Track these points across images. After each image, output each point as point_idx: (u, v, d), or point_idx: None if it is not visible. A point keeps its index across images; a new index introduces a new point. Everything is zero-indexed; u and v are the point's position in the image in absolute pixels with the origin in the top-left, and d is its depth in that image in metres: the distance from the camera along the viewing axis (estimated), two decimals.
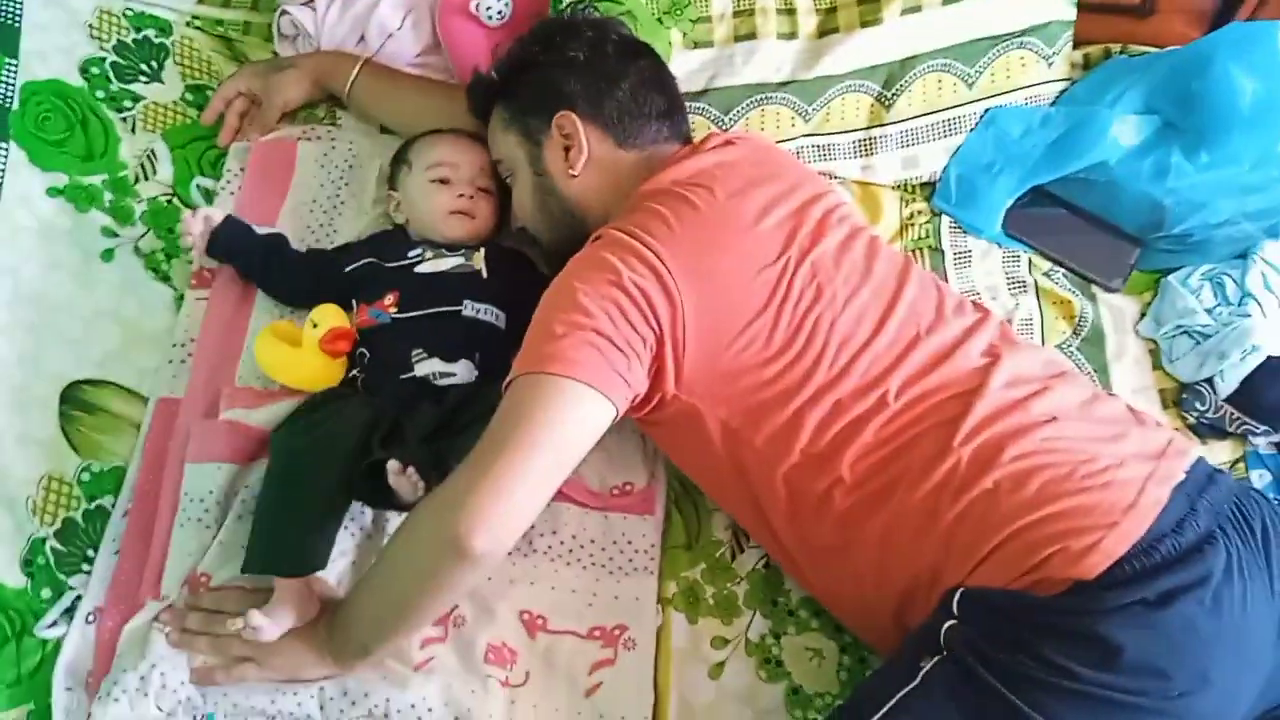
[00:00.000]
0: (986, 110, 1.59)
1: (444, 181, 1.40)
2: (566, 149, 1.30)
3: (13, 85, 1.48)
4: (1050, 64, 1.61)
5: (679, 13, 1.53)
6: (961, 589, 1.05)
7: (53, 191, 1.44)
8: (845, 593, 1.18)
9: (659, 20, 1.52)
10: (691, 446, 1.22)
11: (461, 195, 1.39)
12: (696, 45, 1.55)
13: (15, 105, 1.47)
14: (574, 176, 1.30)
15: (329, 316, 1.33)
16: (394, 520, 1.29)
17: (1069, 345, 1.51)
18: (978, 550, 1.06)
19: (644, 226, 1.17)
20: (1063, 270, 1.58)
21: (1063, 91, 1.64)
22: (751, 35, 1.55)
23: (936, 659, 1.02)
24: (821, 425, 1.14)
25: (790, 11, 1.57)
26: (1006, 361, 1.18)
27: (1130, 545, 1.01)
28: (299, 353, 1.33)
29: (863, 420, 1.14)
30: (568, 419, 1.09)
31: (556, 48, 1.33)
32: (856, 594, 1.17)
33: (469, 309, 1.35)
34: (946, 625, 1.03)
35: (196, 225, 1.40)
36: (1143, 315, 1.55)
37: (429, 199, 1.40)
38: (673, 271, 1.13)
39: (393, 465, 1.16)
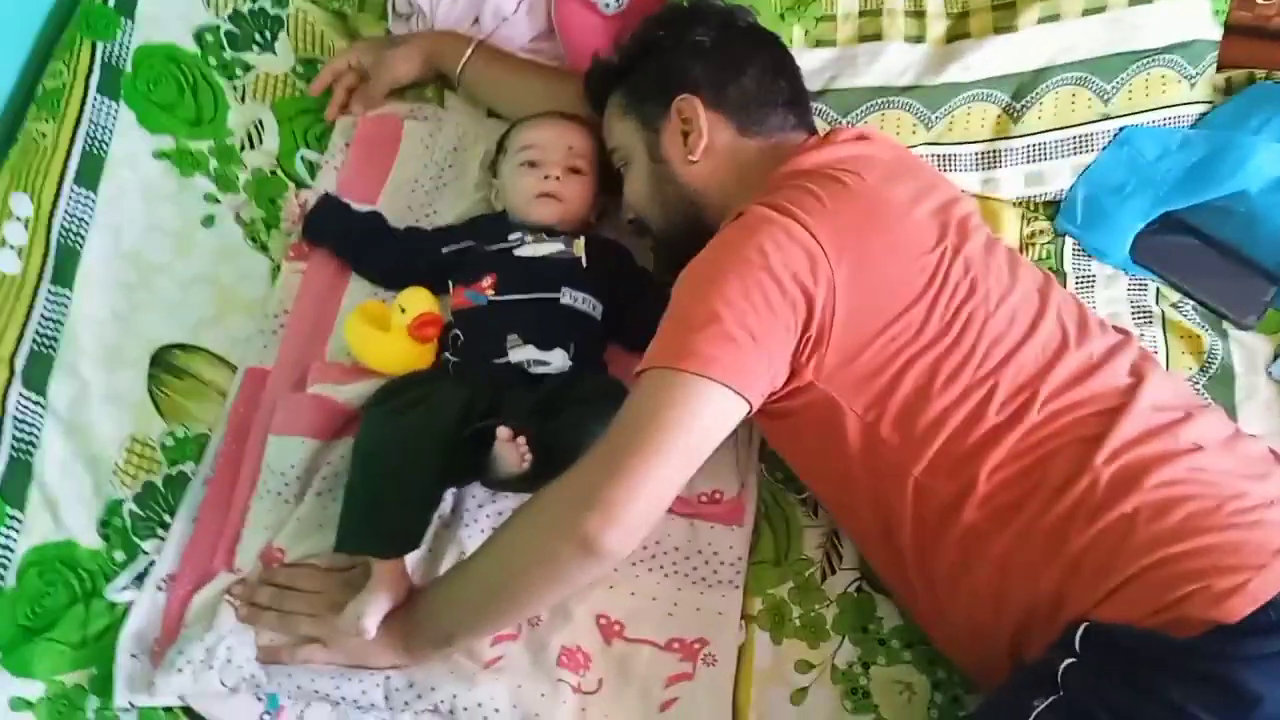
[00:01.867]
0: (1121, 129, 1.51)
1: (533, 164, 1.37)
2: (685, 135, 1.25)
3: (127, 48, 1.48)
4: (1193, 85, 1.52)
5: (802, 9, 1.47)
6: (1086, 624, 0.97)
7: (159, 154, 1.44)
8: (957, 616, 1.11)
9: (781, 16, 1.46)
10: (819, 442, 1.15)
11: (548, 177, 1.35)
12: (818, 44, 1.49)
13: (128, 67, 1.47)
14: (693, 163, 1.25)
15: (418, 301, 1.30)
16: (472, 510, 1.25)
17: (1195, 383, 1.42)
18: (1109, 579, 0.98)
19: (793, 200, 1.11)
20: (1192, 303, 1.48)
21: (1203, 115, 1.54)
22: (877, 36, 1.49)
23: (1051, 699, 0.95)
24: (963, 429, 1.08)
25: (919, 14, 1.50)
26: (1152, 383, 1.11)
27: (1278, 590, 0.93)
28: (387, 336, 1.29)
29: (1005, 428, 1.07)
30: (702, 420, 1.04)
31: (681, 32, 1.29)
32: (969, 618, 1.09)
33: (567, 297, 1.30)
34: (1065, 664, 0.95)
35: (295, 210, 1.39)
36: (1276, 356, 1.44)
37: (517, 182, 1.37)
38: (827, 250, 1.07)
39: (503, 431, 1.12)
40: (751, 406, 1.06)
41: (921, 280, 1.10)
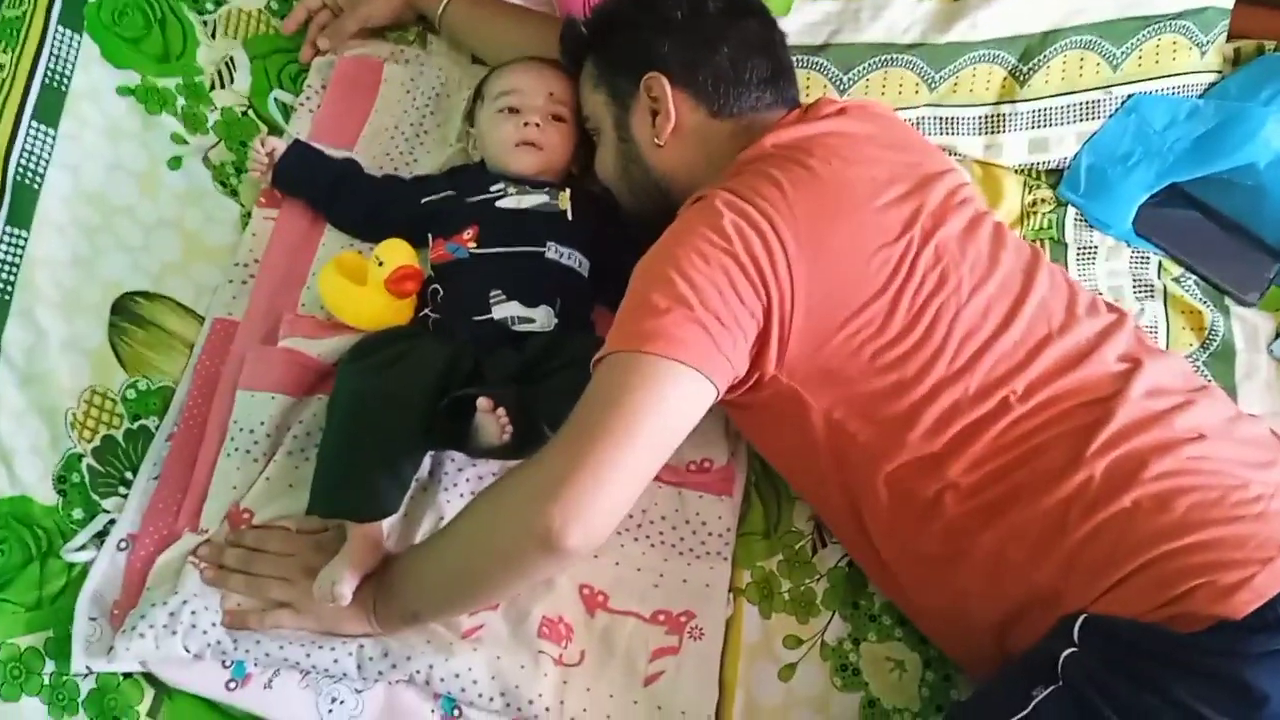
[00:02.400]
0: (1129, 96, 1.46)
1: (512, 111, 1.30)
2: (654, 114, 1.19)
3: None
4: (1203, 53, 1.48)
5: None
6: (1084, 615, 0.93)
7: (123, 90, 1.36)
8: (941, 606, 1.07)
9: None
10: (785, 435, 1.11)
11: (528, 124, 1.28)
12: None
13: None
14: (659, 146, 1.19)
15: (396, 254, 1.24)
16: (450, 474, 1.20)
17: (1195, 359, 1.39)
18: (1108, 575, 0.95)
19: (753, 188, 1.06)
20: (1194, 278, 1.45)
21: (1212, 84, 1.50)
22: None
23: (1051, 689, 0.91)
24: (937, 425, 1.03)
25: None
26: (1147, 368, 1.06)
27: None
28: (364, 291, 1.23)
29: (984, 423, 1.02)
30: (670, 405, 0.98)
31: (652, 4, 1.21)
32: (955, 608, 1.05)
33: (552, 251, 1.25)
34: (1066, 653, 0.92)
35: (263, 157, 1.32)
36: (1278, 334, 1.42)
37: (495, 129, 1.30)
38: (784, 240, 1.02)
39: (484, 402, 1.06)
40: (718, 391, 1.01)
41: (884, 273, 1.05)
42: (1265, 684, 0.85)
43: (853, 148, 1.13)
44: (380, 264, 1.22)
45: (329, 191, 1.33)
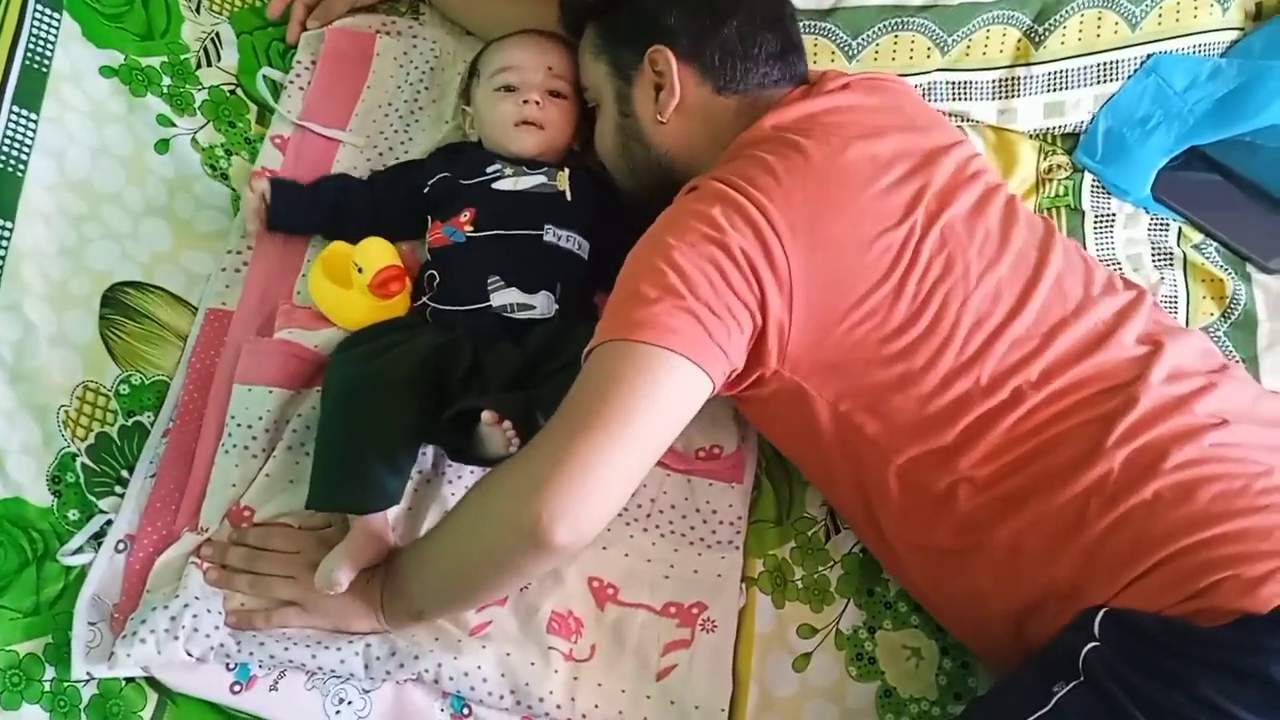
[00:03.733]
0: (1149, 56, 1.41)
1: (510, 89, 1.25)
2: (658, 89, 1.14)
3: None
4: (1225, 9, 1.43)
5: None
6: (1105, 609, 0.91)
7: (106, 71, 1.31)
8: (957, 599, 1.05)
9: None
10: (794, 429, 1.08)
11: (527, 101, 1.24)
12: None
13: None
14: (662, 123, 1.15)
15: (374, 257, 1.18)
16: (454, 466, 1.17)
17: (1216, 329, 1.35)
18: (1130, 569, 0.92)
19: (747, 177, 1.02)
20: (1215, 245, 1.41)
21: (1234, 42, 1.45)
22: None
23: (1073, 684, 0.89)
24: (948, 416, 1.00)
25: None
26: (1167, 350, 1.03)
27: None
28: (350, 294, 1.19)
29: (997, 414, 0.99)
30: (662, 395, 0.94)
31: None
32: (971, 602, 1.03)
33: (550, 234, 1.20)
34: (1087, 648, 0.89)
35: (254, 200, 1.24)
36: None
37: (493, 109, 1.26)
38: (779, 232, 0.98)
39: (489, 416, 1.03)
40: (714, 385, 0.98)
41: (886, 259, 1.01)
42: None
43: (855, 124, 1.09)
44: (360, 270, 1.18)
45: (333, 220, 1.26)
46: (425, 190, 1.25)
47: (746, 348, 1.00)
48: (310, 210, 1.26)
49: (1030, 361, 1.01)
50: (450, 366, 1.10)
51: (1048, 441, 0.98)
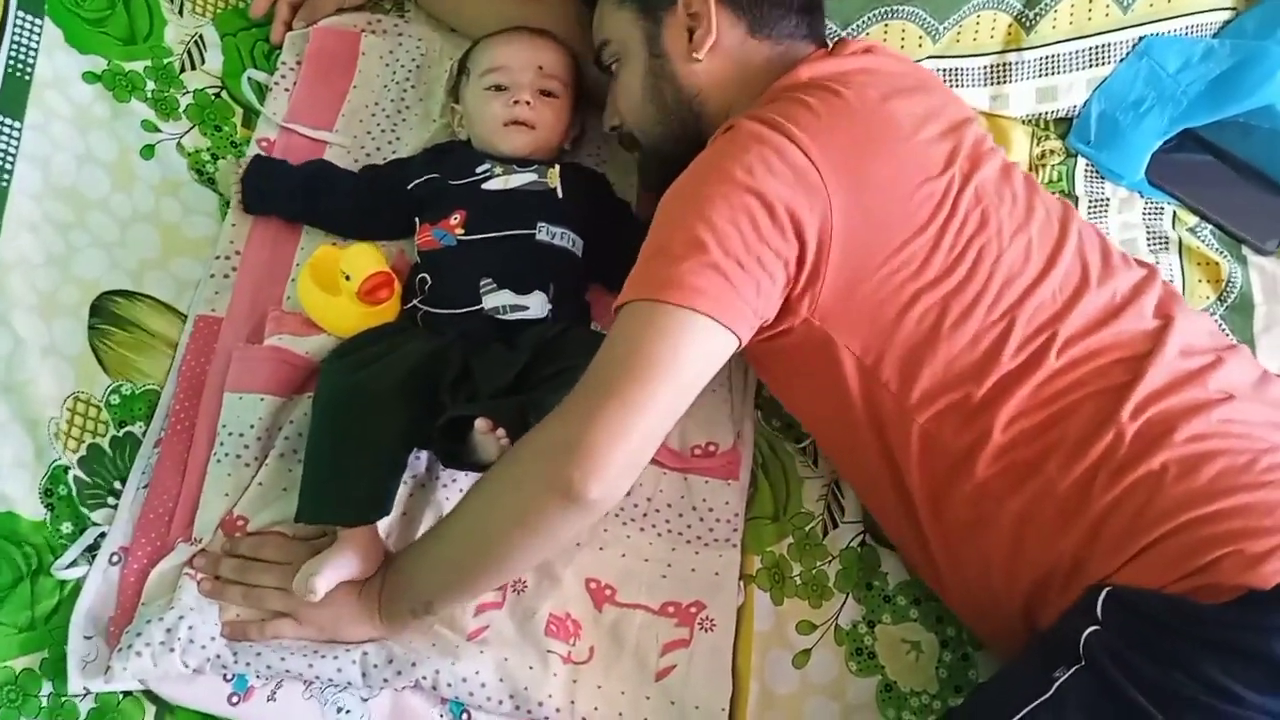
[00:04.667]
0: (1141, 39, 1.40)
1: (500, 88, 1.24)
2: (690, 31, 1.13)
3: None
4: None
5: None
6: (1107, 589, 0.91)
7: (90, 77, 1.30)
8: (969, 576, 1.04)
9: None
10: (816, 385, 1.07)
11: (517, 102, 1.22)
12: None
13: None
14: (697, 60, 1.13)
15: (362, 264, 1.17)
16: (449, 471, 1.16)
17: (1213, 312, 1.36)
18: (1133, 542, 0.92)
19: (788, 115, 1.00)
20: (1210, 227, 1.40)
21: (1227, 23, 1.44)
22: None
23: (1074, 669, 0.89)
24: (974, 374, 0.99)
25: None
26: (1180, 325, 1.03)
27: None
28: (339, 301, 1.18)
29: (1020, 374, 0.99)
30: (688, 357, 0.95)
31: None
32: (982, 578, 1.03)
33: (543, 233, 1.19)
34: (1088, 631, 0.89)
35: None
36: None
37: (483, 108, 1.24)
38: (821, 170, 0.97)
39: (482, 424, 1.02)
40: (741, 342, 0.98)
41: (927, 208, 1.01)
42: None
43: (888, 83, 1.09)
44: (347, 278, 1.17)
45: (304, 194, 1.26)
46: (410, 188, 1.24)
47: (780, 298, 1.00)
48: (283, 184, 1.26)
49: (1054, 324, 1.01)
50: (439, 373, 1.09)
51: (1064, 409, 0.98)
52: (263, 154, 1.30)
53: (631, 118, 1.20)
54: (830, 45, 1.15)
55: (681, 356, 0.94)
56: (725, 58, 1.13)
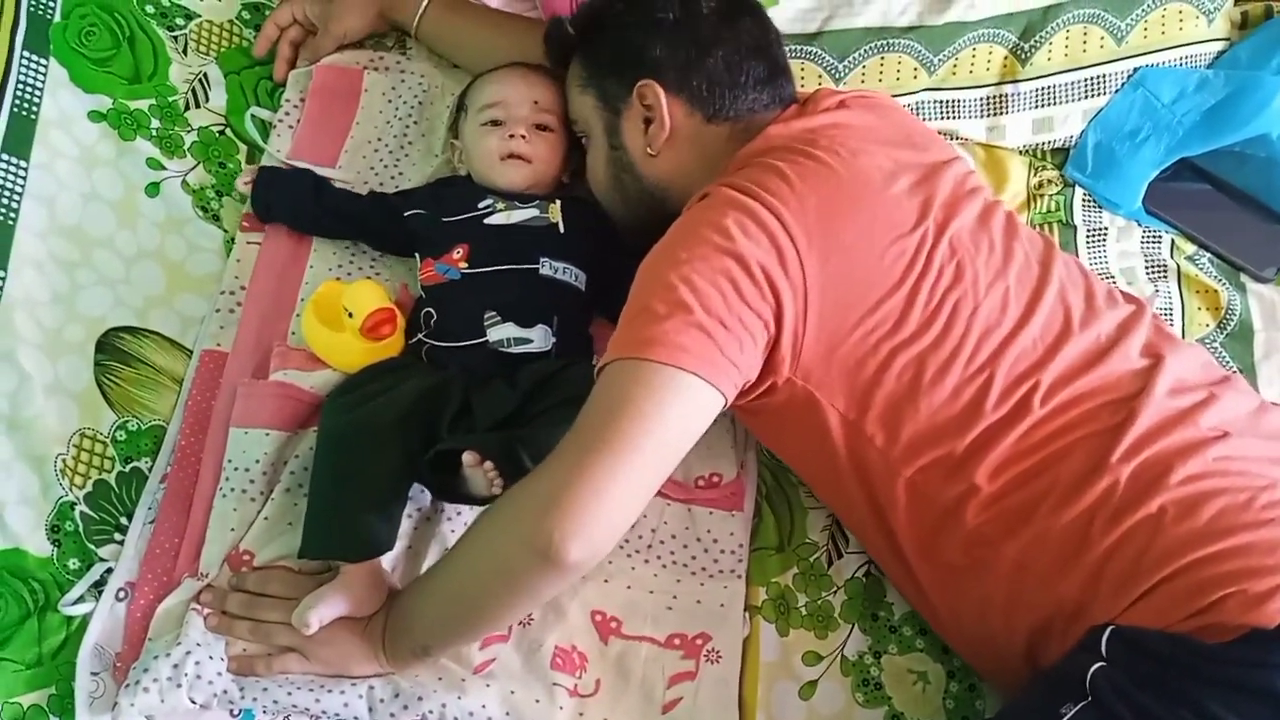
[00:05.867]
0: (1135, 70, 1.42)
1: (496, 123, 1.25)
2: (647, 121, 1.14)
3: None
4: (1210, 20, 1.43)
5: None
6: (1111, 628, 0.91)
7: (95, 116, 1.31)
8: (967, 619, 1.04)
9: None
10: (803, 440, 1.08)
11: (513, 136, 1.24)
12: None
13: (57, 17, 1.33)
14: (653, 155, 1.15)
15: (364, 301, 1.18)
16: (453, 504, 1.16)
17: (1212, 340, 1.36)
18: (1135, 586, 0.92)
19: (759, 182, 1.01)
20: (1208, 255, 1.41)
21: (1221, 53, 1.45)
22: None
23: (1080, 705, 0.88)
24: (956, 428, 1.00)
25: None
26: (1170, 363, 1.03)
27: None
28: (342, 337, 1.18)
29: (1005, 424, 0.99)
30: (673, 414, 0.94)
31: (642, 4, 1.16)
32: (980, 622, 1.03)
33: (546, 267, 1.20)
34: (1094, 668, 0.89)
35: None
36: None
37: (480, 143, 1.26)
38: (795, 237, 0.98)
39: (469, 457, 1.03)
40: (726, 400, 0.98)
41: (900, 266, 1.01)
42: None
43: (858, 137, 1.10)
44: (350, 315, 1.18)
45: (314, 193, 1.29)
46: (406, 215, 1.26)
47: (761, 358, 1.00)
48: (293, 185, 1.30)
49: (1036, 373, 1.01)
50: (440, 409, 1.10)
51: (1053, 455, 0.98)
52: (268, 167, 1.33)
53: (600, 199, 1.23)
54: (801, 99, 1.16)
55: (666, 413, 0.94)
56: (684, 146, 1.14)
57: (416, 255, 1.25)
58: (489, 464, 1.02)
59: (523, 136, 1.24)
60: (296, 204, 1.29)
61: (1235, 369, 1.32)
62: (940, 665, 1.14)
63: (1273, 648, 0.85)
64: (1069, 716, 0.88)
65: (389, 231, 1.28)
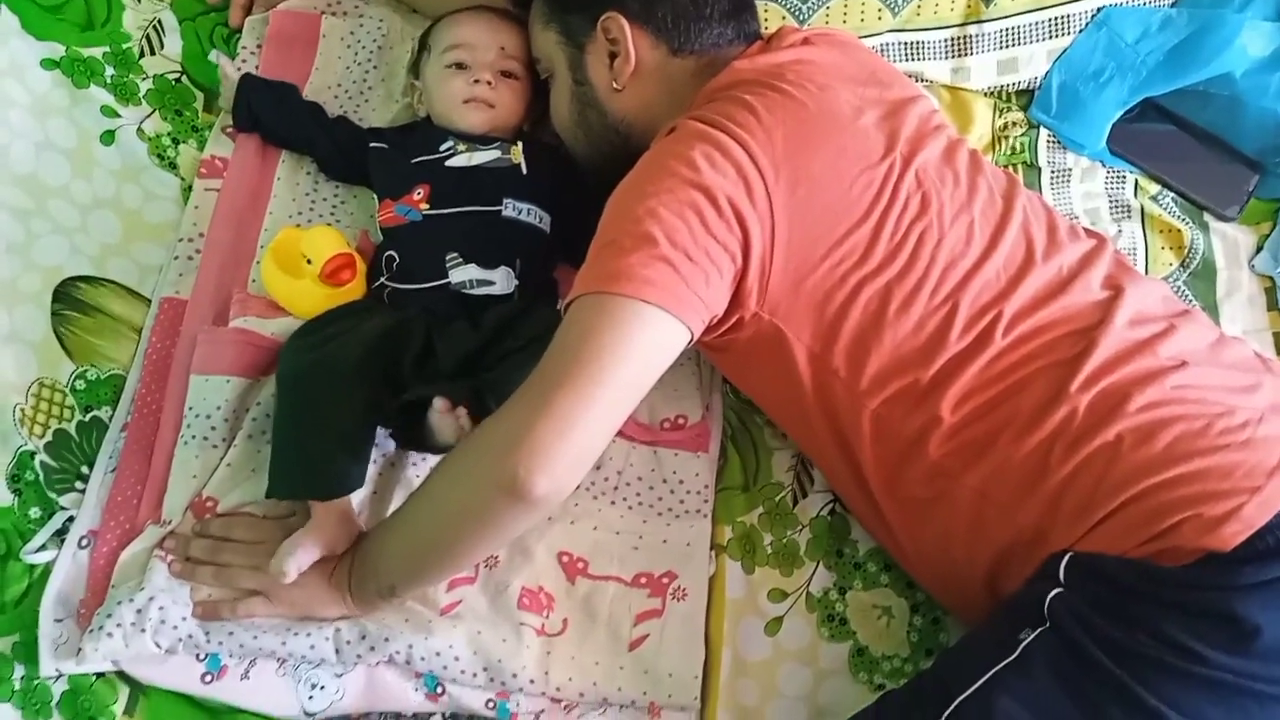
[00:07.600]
0: (1100, 9, 1.41)
1: (460, 66, 1.24)
2: (612, 56, 1.13)
3: None
4: None
5: None
6: (1070, 554, 0.92)
7: (48, 64, 1.29)
8: (930, 551, 1.05)
9: None
10: (769, 375, 1.08)
11: (478, 81, 1.22)
12: None
13: None
14: (618, 90, 1.14)
15: (323, 246, 1.17)
16: None
17: (1175, 279, 1.36)
18: (1093, 512, 0.93)
19: (727, 114, 1.01)
20: (1172, 195, 1.41)
21: None
22: None
23: (1039, 631, 0.90)
24: (920, 359, 1.00)
25: None
26: (1130, 295, 1.03)
27: (1274, 514, 0.88)
28: (302, 284, 1.18)
29: (967, 355, 0.99)
30: (638, 347, 0.94)
31: None
32: (943, 553, 1.03)
33: (509, 209, 1.19)
34: (1052, 594, 0.90)
35: (232, 71, 1.29)
36: (1259, 249, 1.39)
37: (443, 85, 1.24)
38: (762, 170, 0.98)
39: (440, 403, 1.02)
40: (693, 335, 0.98)
41: (868, 197, 1.01)
42: (1256, 615, 0.84)
43: (824, 73, 1.09)
44: (309, 261, 1.17)
45: (296, 96, 1.31)
46: (371, 145, 1.26)
47: (728, 292, 1.00)
48: (275, 95, 1.31)
49: (999, 304, 1.01)
50: (402, 348, 1.09)
51: (1014, 385, 0.99)
52: (252, 75, 1.33)
53: (563, 136, 1.22)
54: (765, 36, 1.16)
55: (632, 346, 0.94)
56: (649, 81, 1.13)
57: (375, 197, 1.23)
58: (461, 410, 1.02)
59: (488, 82, 1.23)
60: (279, 103, 1.29)
61: (1198, 307, 1.33)
62: (904, 599, 1.15)
63: (1229, 570, 0.86)
64: (1028, 642, 0.89)
65: (354, 151, 1.27)
